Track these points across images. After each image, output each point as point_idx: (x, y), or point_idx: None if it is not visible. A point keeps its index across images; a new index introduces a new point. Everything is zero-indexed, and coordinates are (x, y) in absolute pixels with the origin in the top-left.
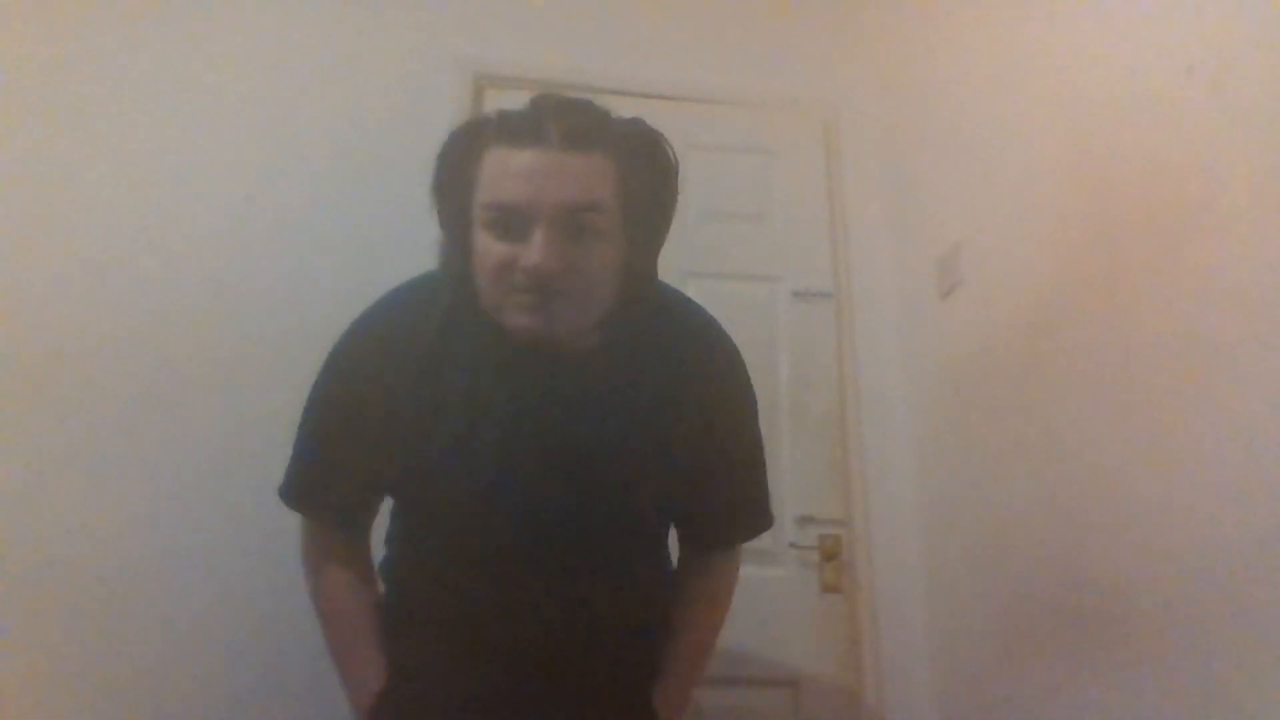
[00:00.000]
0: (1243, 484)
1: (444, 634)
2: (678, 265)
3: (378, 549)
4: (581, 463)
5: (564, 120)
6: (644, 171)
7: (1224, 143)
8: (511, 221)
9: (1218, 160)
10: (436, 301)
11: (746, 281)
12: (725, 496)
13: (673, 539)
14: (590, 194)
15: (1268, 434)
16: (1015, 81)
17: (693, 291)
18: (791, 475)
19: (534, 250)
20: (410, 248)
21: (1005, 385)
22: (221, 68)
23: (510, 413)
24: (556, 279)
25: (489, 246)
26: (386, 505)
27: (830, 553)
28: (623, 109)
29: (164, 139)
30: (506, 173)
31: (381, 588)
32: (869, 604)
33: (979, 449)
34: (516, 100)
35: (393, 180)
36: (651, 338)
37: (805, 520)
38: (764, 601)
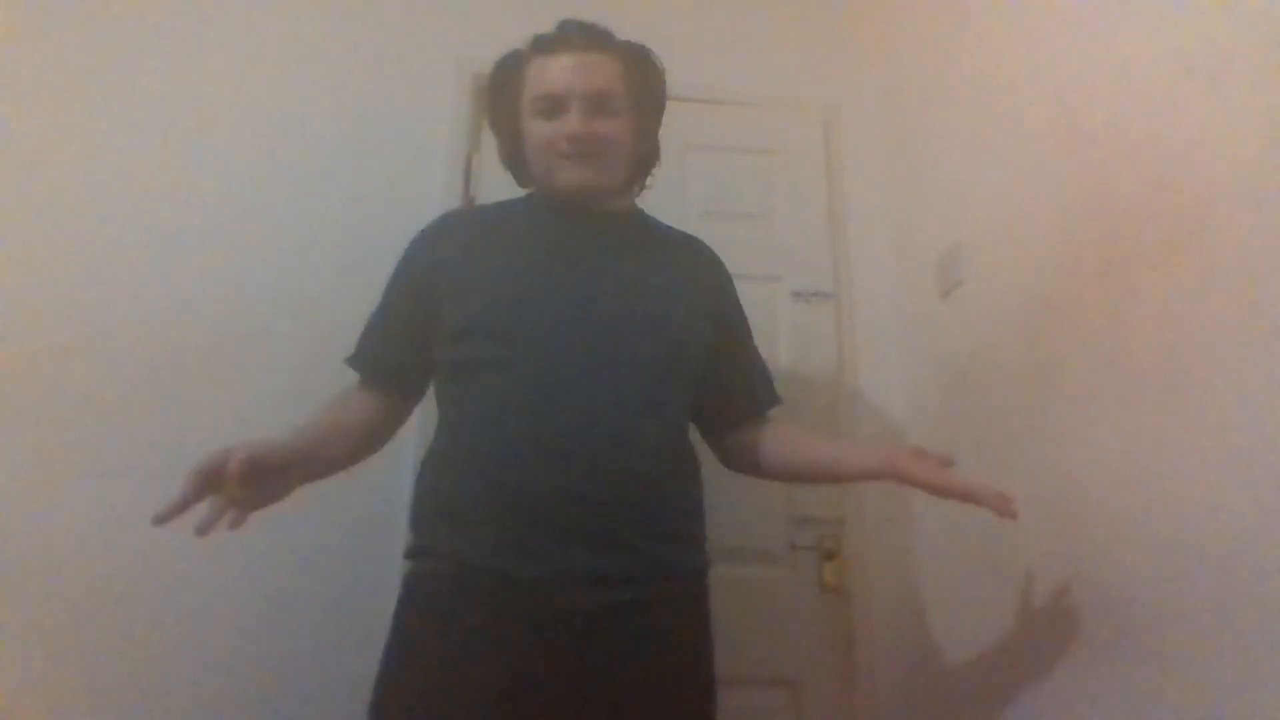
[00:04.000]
0: (1243, 483)
1: (485, 484)
2: None
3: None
4: (626, 302)
5: (584, 30)
6: (643, 71)
7: (1223, 142)
8: (554, 106)
9: (1217, 160)
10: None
11: (746, 281)
12: (750, 367)
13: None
14: (609, 82)
15: (1267, 434)
16: (1015, 81)
17: None
18: None
19: (574, 121)
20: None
21: (1005, 385)
22: (221, 67)
23: (561, 260)
24: (591, 142)
25: (539, 129)
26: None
27: (830, 553)
28: None
29: (163, 137)
30: (548, 71)
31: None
32: (869, 604)
33: (978, 449)
34: None
35: (392, 179)
36: (667, 228)
37: (805, 520)
38: (764, 601)
